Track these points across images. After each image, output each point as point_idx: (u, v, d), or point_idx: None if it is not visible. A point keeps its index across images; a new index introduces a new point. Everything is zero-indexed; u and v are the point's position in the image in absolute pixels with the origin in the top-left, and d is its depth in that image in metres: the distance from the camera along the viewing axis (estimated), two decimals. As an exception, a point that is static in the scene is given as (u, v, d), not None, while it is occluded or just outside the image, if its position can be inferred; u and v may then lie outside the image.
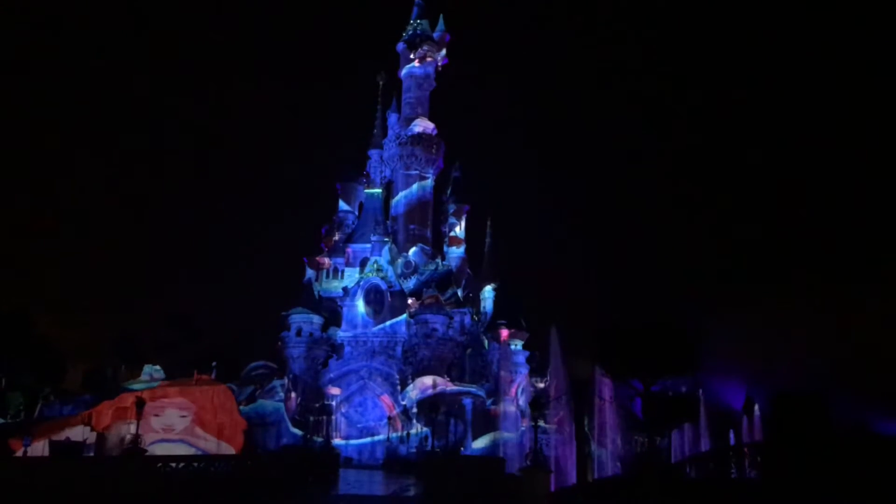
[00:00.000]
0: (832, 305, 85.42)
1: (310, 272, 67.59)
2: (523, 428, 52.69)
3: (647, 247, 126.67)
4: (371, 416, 57.58)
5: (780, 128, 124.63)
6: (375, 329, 61.68)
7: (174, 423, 41.70)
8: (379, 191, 70.93)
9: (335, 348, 62.09)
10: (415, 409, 54.85)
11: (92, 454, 37.46)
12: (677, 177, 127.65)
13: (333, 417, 54.92)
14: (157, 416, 41.28)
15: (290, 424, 53.45)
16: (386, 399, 57.46)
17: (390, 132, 73.90)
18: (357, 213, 73.58)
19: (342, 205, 74.30)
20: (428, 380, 56.72)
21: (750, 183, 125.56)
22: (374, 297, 62.88)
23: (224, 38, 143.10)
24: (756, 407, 52.87)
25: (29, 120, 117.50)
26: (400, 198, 72.10)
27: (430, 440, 46.79)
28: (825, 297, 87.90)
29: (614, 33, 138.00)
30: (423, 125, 72.71)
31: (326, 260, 69.09)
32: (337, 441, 53.86)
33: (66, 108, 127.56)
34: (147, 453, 26.60)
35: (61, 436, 37.45)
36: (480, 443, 53.47)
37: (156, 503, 20.27)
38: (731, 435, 51.76)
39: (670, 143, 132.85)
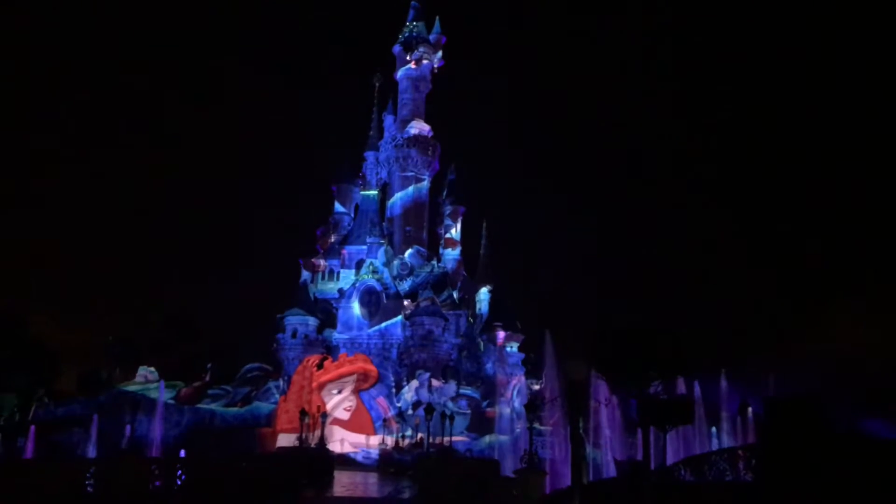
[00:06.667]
0: (830, 308, 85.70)
1: (305, 274, 67.55)
2: (518, 430, 52.64)
3: (643, 247, 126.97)
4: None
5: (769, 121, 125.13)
6: (371, 331, 61.62)
7: None
8: (375, 192, 70.92)
9: (330, 350, 62.00)
10: (410, 411, 54.82)
11: None
12: (675, 179, 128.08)
13: (328, 419, 54.85)
14: None
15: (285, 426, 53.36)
16: (381, 401, 57.38)
17: (386, 134, 73.87)
18: (353, 214, 73.58)
19: (338, 206, 74.28)
20: (423, 382, 56.67)
21: (748, 184, 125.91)
22: (370, 298, 62.83)
23: (221, 38, 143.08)
24: (750, 409, 52.95)
25: (27, 120, 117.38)
26: (396, 199, 72.07)
27: (425, 442, 46.74)
28: (823, 299, 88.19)
29: (614, 34, 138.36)
30: (419, 127, 72.71)
31: (322, 262, 69.05)
32: (332, 443, 53.76)
33: (63, 107, 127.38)
34: None
35: None
36: (476, 445, 53.43)
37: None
38: (725, 437, 51.87)
39: (668, 144, 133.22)
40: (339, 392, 55.27)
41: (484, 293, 70.01)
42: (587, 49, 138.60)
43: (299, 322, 61.61)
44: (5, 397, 53.24)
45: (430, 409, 41.49)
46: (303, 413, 44.43)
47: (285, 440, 50.15)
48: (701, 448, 43.66)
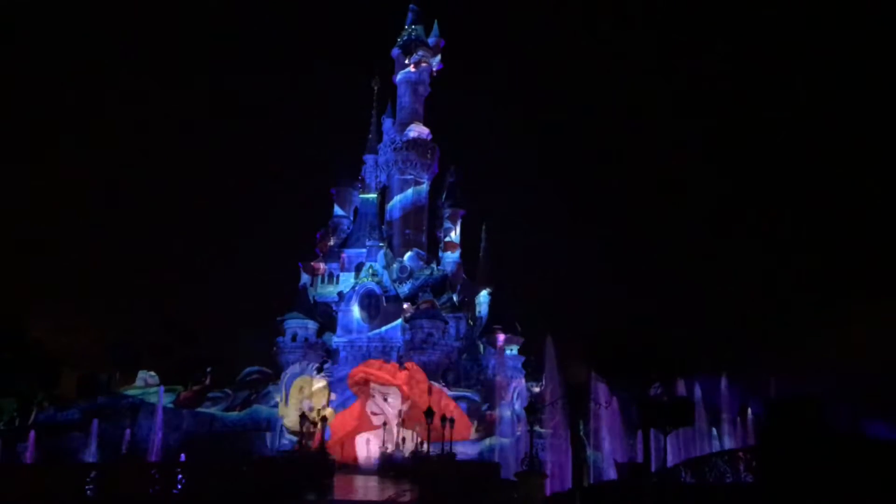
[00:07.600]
0: (832, 309, 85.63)
1: (305, 277, 67.49)
2: (519, 433, 52.61)
3: (644, 249, 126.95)
4: (366, 422, 57.39)
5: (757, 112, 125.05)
6: (371, 334, 61.55)
7: None
8: (374, 196, 70.93)
9: (330, 353, 61.94)
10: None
11: None
12: (676, 180, 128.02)
13: (329, 423, 54.77)
14: None
15: (285, 430, 53.28)
16: (382, 404, 57.25)
17: (385, 137, 73.92)
18: (352, 217, 73.56)
19: (337, 209, 74.29)
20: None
21: (749, 186, 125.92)
22: (370, 302, 62.75)
23: (220, 41, 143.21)
24: (750, 411, 52.95)
25: (26, 118, 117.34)
26: (395, 202, 72.09)
27: (425, 445, 46.65)
28: (825, 300, 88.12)
29: (613, 35, 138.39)
30: (418, 130, 72.76)
31: (321, 265, 69.02)
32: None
33: (62, 108, 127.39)
34: None
35: None
36: (476, 448, 53.35)
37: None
38: (726, 439, 51.84)
39: (669, 144, 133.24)
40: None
41: (484, 296, 69.95)
42: (586, 50, 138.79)
43: (299, 325, 61.57)
44: (5, 402, 53.23)
45: (430, 411, 41.42)
46: (302, 417, 44.38)
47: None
48: (701, 450, 43.65)
